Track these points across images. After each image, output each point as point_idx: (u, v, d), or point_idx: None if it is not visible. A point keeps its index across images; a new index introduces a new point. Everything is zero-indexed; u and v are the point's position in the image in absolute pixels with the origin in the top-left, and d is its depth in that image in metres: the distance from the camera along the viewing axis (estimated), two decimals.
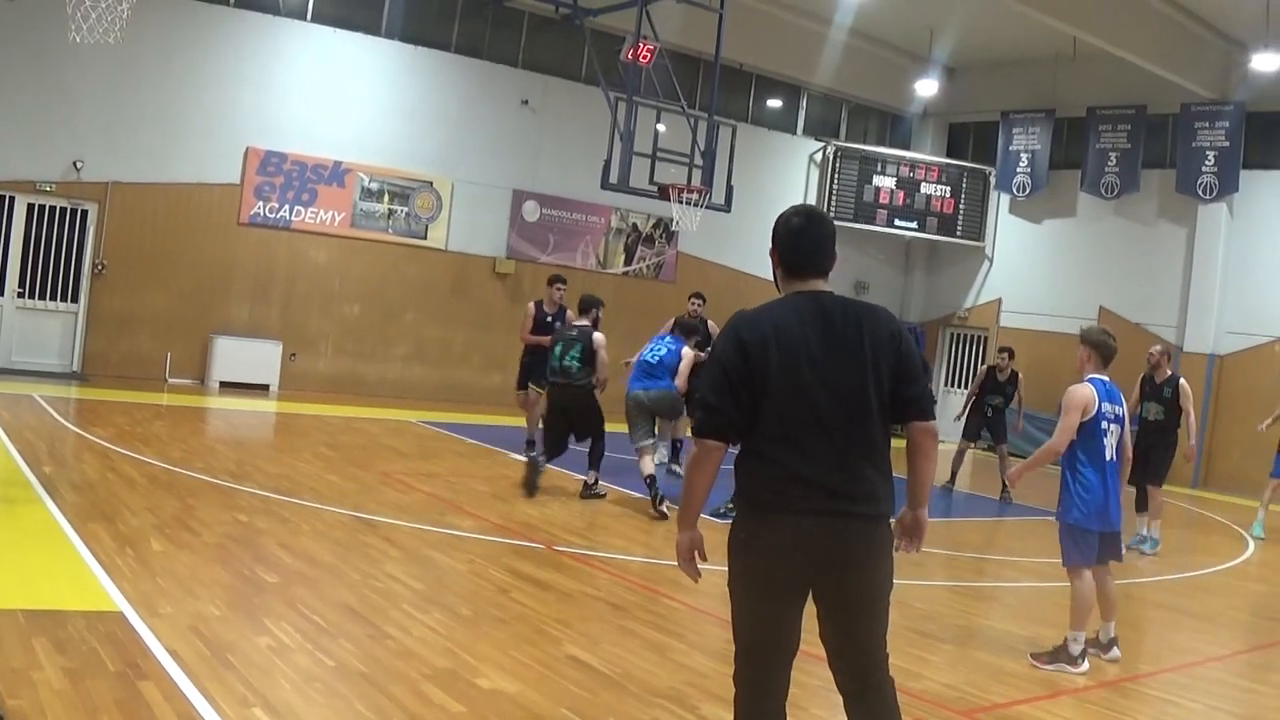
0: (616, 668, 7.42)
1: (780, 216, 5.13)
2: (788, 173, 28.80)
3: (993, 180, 29.67)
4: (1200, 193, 25.64)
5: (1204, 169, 25.61)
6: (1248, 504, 21.54)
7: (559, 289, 16.87)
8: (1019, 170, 28.98)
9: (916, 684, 8.02)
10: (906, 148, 30.85)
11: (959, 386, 29.84)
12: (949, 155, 30.79)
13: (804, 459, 4.69)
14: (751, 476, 4.82)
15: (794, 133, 29.32)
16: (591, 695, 6.82)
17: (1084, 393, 8.99)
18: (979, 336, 30.01)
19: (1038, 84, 28.25)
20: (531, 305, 16.91)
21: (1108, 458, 8.98)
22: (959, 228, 29.62)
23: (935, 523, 16.41)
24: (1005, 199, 29.64)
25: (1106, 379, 9.18)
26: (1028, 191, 28.88)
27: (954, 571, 13.20)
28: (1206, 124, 25.60)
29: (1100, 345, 9.25)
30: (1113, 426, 9.04)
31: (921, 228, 29.51)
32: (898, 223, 29.34)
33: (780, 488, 4.71)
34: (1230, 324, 25.37)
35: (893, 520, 4.96)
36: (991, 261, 29.88)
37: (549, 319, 16.60)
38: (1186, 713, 8.21)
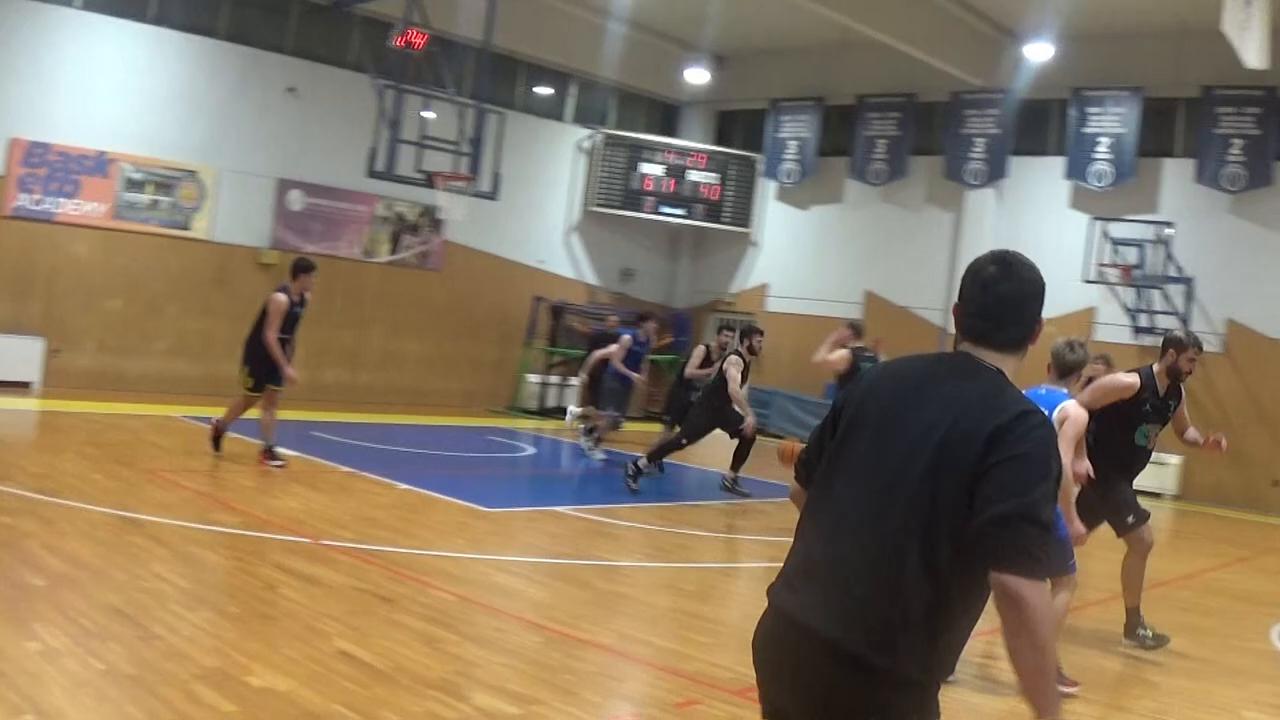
0: (388, 661, 7.44)
1: (974, 261, 3.92)
2: (555, 161, 28.88)
3: (760, 168, 30.11)
4: (969, 179, 26.40)
5: (973, 155, 26.37)
6: None
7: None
8: (787, 158, 29.48)
9: (688, 665, 8.23)
10: (676, 136, 31.16)
11: None
12: (719, 143, 31.17)
13: (818, 546, 3.74)
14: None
15: (563, 120, 29.39)
16: (364, 689, 6.85)
17: None
18: (746, 322, 30.34)
19: (808, 72, 28.78)
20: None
21: None
22: (726, 215, 29.98)
23: (684, 505, 16.61)
24: (773, 186, 30.11)
25: None
26: (795, 179, 29.38)
27: (722, 553, 13.45)
28: (976, 111, 26.37)
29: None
30: None
31: (689, 215, 29.83)
32: (665, 210, 29.58)
33: (784, 571, 3.85)
34: None
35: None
36: (758, 248, 30.31)
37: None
38: (959, 686, 8.42)
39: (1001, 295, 3.78)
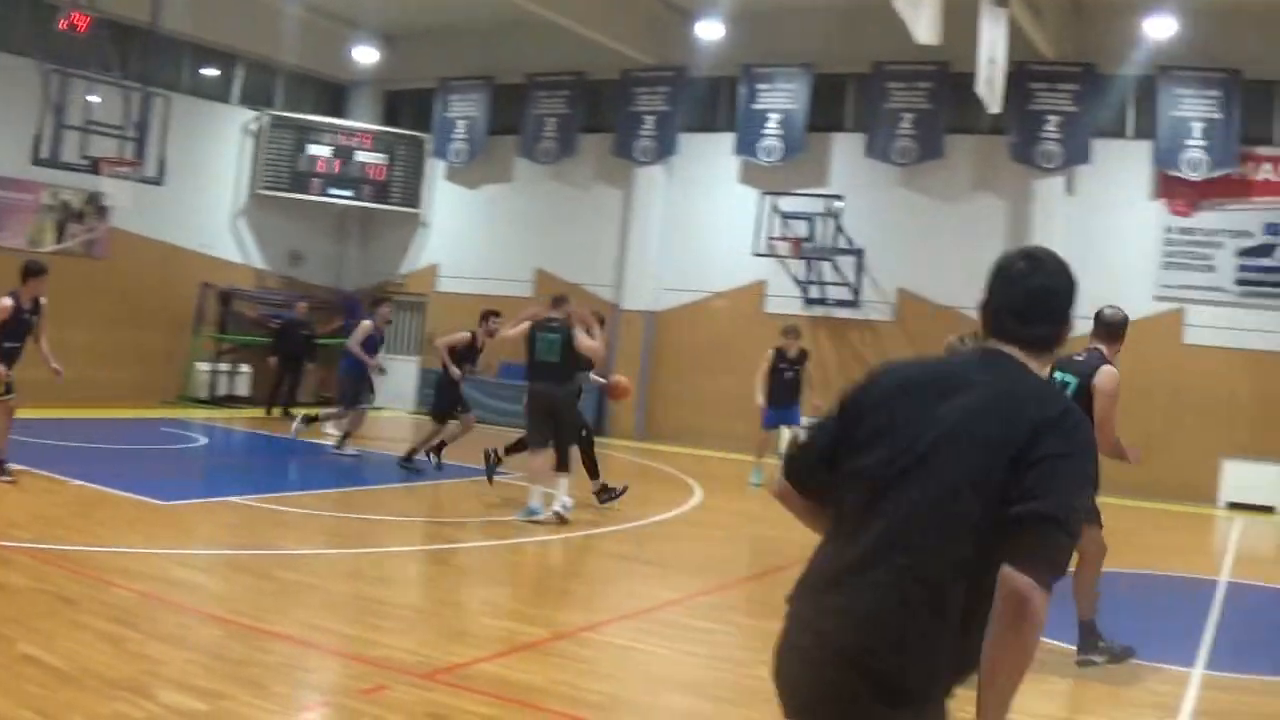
0: (73, 663, 7.29)
1: (1002, 256, 3.80)
2: (222, 144, 28.18)
3: (429, 147, 30.07)
4: (638, 156, 26.92)
5: (643, 133, 26.90)
6: (690, 452, 22.69)
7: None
8: (456, 137, 29.53)
9: (375, 651, 8.33)
10: (345, 116, 30.85)
11: (405, 354, 29.90)
12: (388, 124, 31.00)
13: (845, 556, 3.51)
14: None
15: (230, 102, 28.72)
16: (51, 694, 6.70)
17: None
18: (416, 303, 30.27)
19: (477, 51, 28.87)
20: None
21: None
22: (395, 195, 29.86)
23: (362, 490, 16.60)
24: (443, 166, 30.12)
25: None
26: (465, 158, 29.44)
27: (402, 537, 13.45)
28: (647, 89, 26.89)
29: None
30: None
31: (357, 196, 29.62)
32: (332, 191, 29.29)
33: (800, 597, 3.61)
34: (668, 281, 26.61)
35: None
36: (428, 228, 30.33)
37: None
38: (650, 657, 8.65)
39: (1031, 289, 3.64)
